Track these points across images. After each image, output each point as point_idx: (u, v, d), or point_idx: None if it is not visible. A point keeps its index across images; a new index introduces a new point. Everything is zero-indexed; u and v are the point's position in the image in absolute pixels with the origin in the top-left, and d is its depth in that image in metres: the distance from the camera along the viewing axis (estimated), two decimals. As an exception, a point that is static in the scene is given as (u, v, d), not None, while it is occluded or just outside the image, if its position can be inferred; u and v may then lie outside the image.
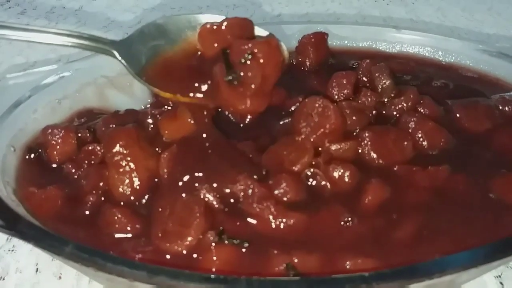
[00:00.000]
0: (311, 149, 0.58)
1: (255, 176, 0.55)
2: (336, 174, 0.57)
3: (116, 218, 0.53)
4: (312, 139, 0.59)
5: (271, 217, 0.52)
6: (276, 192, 0.54)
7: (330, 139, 0.59)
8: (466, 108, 0.68)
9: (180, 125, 0.61)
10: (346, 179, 0.57)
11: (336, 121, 0.59)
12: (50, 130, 0.65)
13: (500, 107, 0.69)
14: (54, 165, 0.64)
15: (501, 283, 0.59)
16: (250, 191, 0.54)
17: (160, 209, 0.54)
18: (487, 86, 0.78)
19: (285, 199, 0.54)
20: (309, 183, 0.57)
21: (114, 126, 0.63)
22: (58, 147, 0.64)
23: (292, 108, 0.67)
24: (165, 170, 0.57)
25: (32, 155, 0.65)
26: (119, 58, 0.63)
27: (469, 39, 0.96)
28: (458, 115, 0.68)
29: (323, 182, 0.57)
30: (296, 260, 0.48)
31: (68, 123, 0.70)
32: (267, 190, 0.54)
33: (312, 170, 0.57)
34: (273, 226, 0.52)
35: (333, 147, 0.59)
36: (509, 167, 0.59)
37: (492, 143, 0.64)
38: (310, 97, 0.61)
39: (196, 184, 0.55)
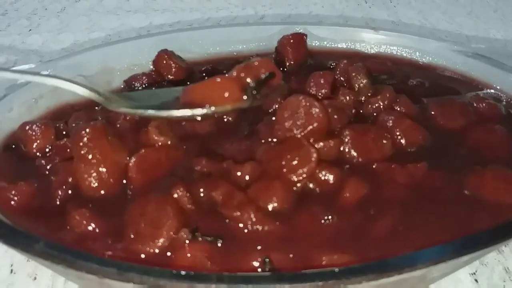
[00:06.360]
0: (316, 156, 0.56)
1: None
2: (322, 178, 0.56)
3: (76, 219, 0.52)
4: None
5: (249, 222, 0.51)
6: (262, 199, 0.53)
7: (315, 138, 0.59)
8: (441, 106, 0.69)
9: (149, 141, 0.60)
10: (331, 182, 0.56)
11: (323, 119, 0.59)
12: (29, 125, 0.65)
13: (475, 105, 0.70)
14: (30, 161, 0.63)
15: (476, 280, 0.59)
16: (229, 195, 0.53)
17: (132, 209, 0.53)
18: (462, 85, 0.79)
19: (269, 208, 0.53)
20: (297, 188, 0.56)
21: (82, 122, 0.63)
22: (37, 141, 0.64)
23: (274, 107, 0.67)
24: (135, 175, 0.57)
25: (8, 151, 0.64)
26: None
27: (446, 40, 0.97)
28: (433, 112, 0.68)
29: (312, 186, 0.56)
30: (273, 257, 0.47)
31: (46, 120, 0.69)
32: (249, 196, 0.53)
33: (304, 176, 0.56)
34: (251, 229, 0.51)
35: (318, 146, 0.58)
36: (483, 164, 0.59)
37: (467, 139, 0.65)
38: (294, 96, 0.60)
39: (170, 186, 0.54)
